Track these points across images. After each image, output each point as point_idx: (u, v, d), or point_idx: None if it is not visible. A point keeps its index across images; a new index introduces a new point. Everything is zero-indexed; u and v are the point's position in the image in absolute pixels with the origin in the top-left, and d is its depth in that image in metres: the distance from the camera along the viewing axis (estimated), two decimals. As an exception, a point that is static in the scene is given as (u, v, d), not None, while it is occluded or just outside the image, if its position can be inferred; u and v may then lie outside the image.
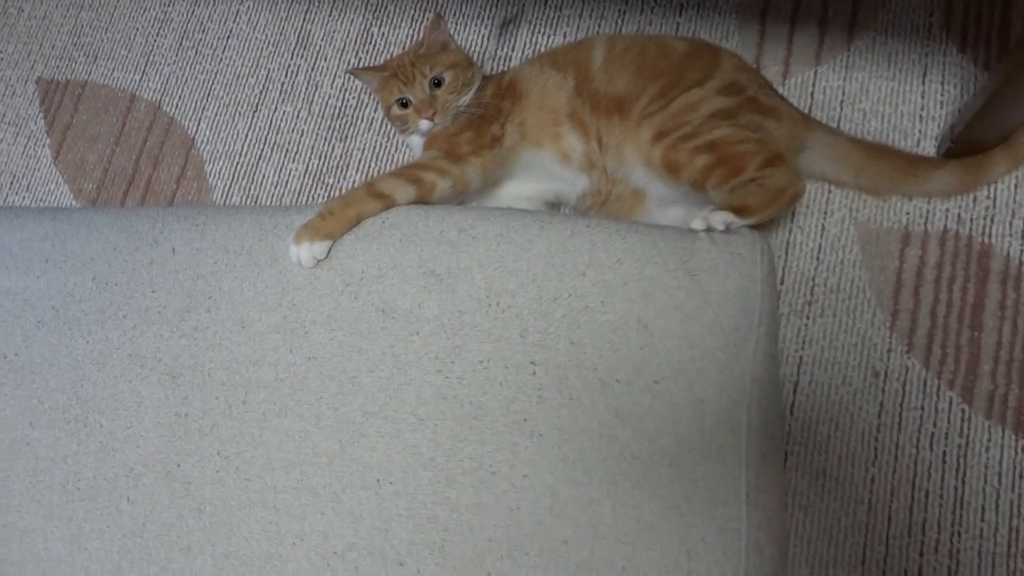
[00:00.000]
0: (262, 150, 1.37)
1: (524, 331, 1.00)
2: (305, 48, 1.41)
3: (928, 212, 1.21)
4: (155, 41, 1.46)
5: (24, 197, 1.40)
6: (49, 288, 1.13)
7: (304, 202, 1.34)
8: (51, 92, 1.45)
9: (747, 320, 0.97)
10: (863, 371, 1.16)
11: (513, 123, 1.19)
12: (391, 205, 1.10)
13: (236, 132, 1.39)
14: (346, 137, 1.36)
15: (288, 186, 1.35)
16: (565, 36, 1.37)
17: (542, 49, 1.36)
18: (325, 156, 1.35)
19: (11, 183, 1.41)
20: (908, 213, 1.21)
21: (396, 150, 1.33)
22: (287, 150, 1.37)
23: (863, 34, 1.30)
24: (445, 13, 1.40)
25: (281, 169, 1.36)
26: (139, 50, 1.46)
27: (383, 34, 1.40)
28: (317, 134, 1.37)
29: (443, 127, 1.18)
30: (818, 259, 1.21)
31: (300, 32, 1.42)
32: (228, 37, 1.44)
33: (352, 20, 1.42)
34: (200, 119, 1.40)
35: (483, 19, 1.39)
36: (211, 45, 1.44)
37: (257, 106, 1.40)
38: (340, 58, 1.40)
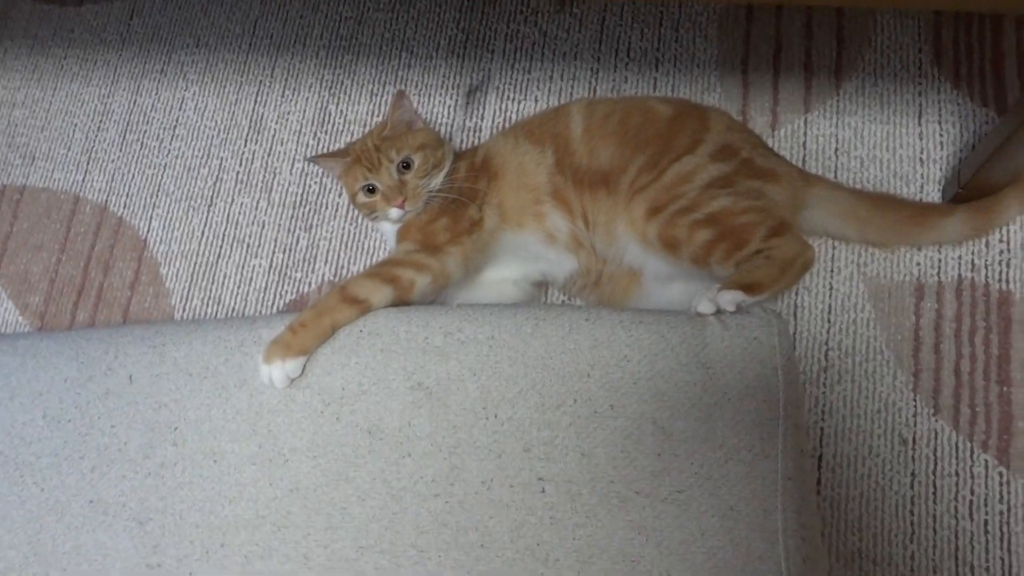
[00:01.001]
0: (221, 247, 1.27)
1: (528, 445, 0.91)
2: (259, 133, 1.32)
3: (940, 261, 1.14)
4: (96, 136, 1.35)
5: (-37, 318, 1.28)
6: (-4, 431, 1.02)
7: (271, 300, 1.23)
8: (-13, 200, 1.34)
9: (771, 413, 0.89)
10: (890, 439, 1.08)
11: (491, 204, 1.10)
12: (367, 310, 1.00)
13: (191, 229, 1.28)
14: (311, 226, 1.26)
15: (252, 284, 1.24)
16: (537, 101, 1.28)
17: (513, 116, 1.28)
18: (290, 249, 1.25)
19: (-53, 303, 1.30)
20: (919, 264, 1.14)
21: (366, 236, 1.24)
22: (248, 245, 1.26)
23: (851, 76, 1.23)
24: (407, 84, 1.31)
25: (243, 266, 1.25)
26: (79, 147, 1.35)
27: (341, 112, 1.31)
28: (280, 225, 1.27)
29: (415, 214, 1.09)
30: (829, 321, 1.13)
31: (252, 116, 1.32)
32: (175, 126, 1.34)
33: (307, 99, 1.33)
34: (151, 217, 1.30)
35: (448, 88, 1.31)
36: (157, 136, 1.34)
37: (212, 199, 1.29)
38: (298, 140, 1.30)
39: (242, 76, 1.35)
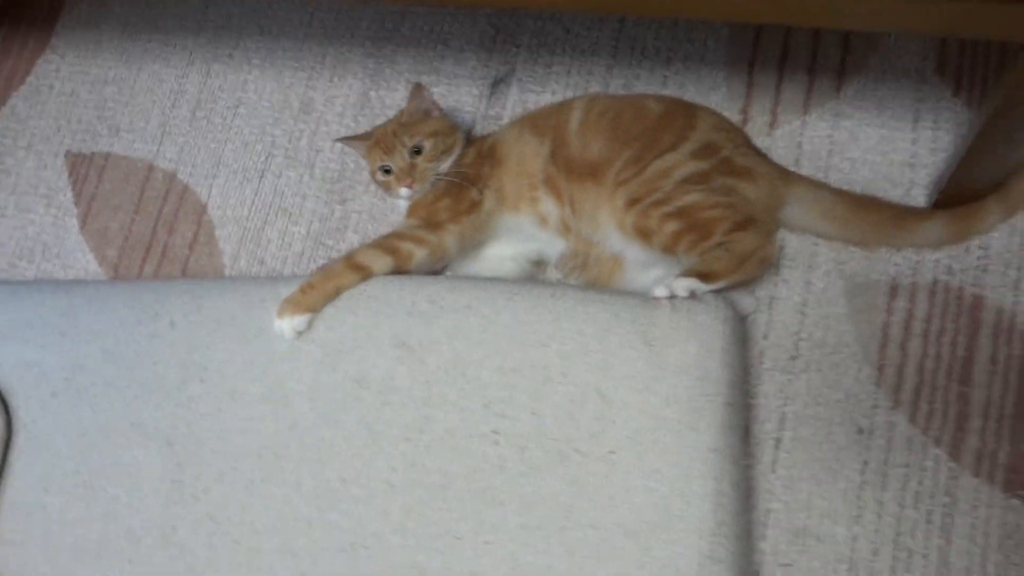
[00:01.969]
0: (267, 214, 1.44)
1: (488, 402, 1.03)
2: (307, 114, 1.48)
3: (918, 264, 1.18)
4: (171, 112, 1.55)
5: (54, 265, 1.50)
6: (62, 361, 1.22)
7: (306, 263, 1.39)
8: (78, 165, 1.56)
9: (706, 390, 0.98)
10: (847, 427, 1.14)
11: (491, 188, 1.22)
12: (369, 276, 1.15)
13: (243, 198, 1.46)
14: (345, 200, 1.41)
15: (291, 248, 1.41)
16: (554, 93, 1.39)
17: (532, 107, 1.38)
18: (325, 218, 1.41)
19: (43, 252, 1.52)
20: (897, 264, 1.19)
21: (393, 211, 1.38)
22: (290, 213, 1.43)
23: (853, 80, 1.28)
24: (439, 74, 1.44)
25: (285, 232, 1.42)
26: (156, 121, 1.55)
27: (380, 97, 1.45)
28: (318, 197, 1.43)
29: (422, 194, 1.22)
30: (803, 313, 1.20)
31: (303, 98, 1.49)
32: (237, 106, 1.52)
33: (351, 85, 1.47)
34: (211, 186, 1.48)
35: (475, 80, 1.43)
36: (221, 114, 1.52)
37: (263, 172, 1.47)
38: (340, 122, 1.46)
39: (297, 62, 1.51)
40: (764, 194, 1.15)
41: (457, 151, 1.24)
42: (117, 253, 1.49)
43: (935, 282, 1.17)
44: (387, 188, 1.24)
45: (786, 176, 1.19)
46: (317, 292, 1.13)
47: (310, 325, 1.13)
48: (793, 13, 0.90)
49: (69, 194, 1.54)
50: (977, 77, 1.25)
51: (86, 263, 1.49)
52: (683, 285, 1.05)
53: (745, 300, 1.19)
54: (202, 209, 1.47)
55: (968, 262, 1.17)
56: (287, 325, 1.12)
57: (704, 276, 1.06)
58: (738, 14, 0.98)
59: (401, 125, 1.24)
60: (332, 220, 1.41)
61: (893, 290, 1.18)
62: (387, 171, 1.23)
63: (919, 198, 1.22)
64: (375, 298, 1.12)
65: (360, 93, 1.46)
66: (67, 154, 1.57)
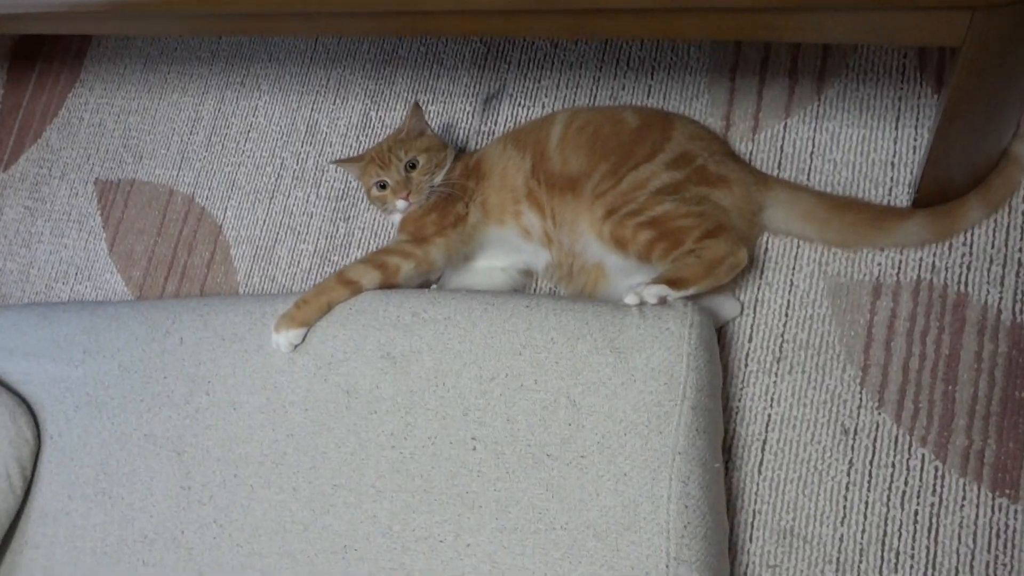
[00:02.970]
0: (277, 233, 1.51)
1: (466, 409, 1.08)
2: (313, 135, 1.55)
3: (901, 263, 1.19)
4: (189, 139, 1.63)
5: (86, 286, 1.61)
6: (85, 376, 1.31)
7: (314, 280, 1.46)
8: (106, 191, 1.66)
9: (671, 394, 1.01)
10: (832, 428, 1.15)
11: (476, 202, 1.26)
12: (359, 291, 1.20)
13: (256, 218, 1.54)
14: (348, 217, 1.47)
15: (300, 266, 1.48)
16: (543, 107, 1.43)
17: (523, 121, 1.43)
18: (331, 236, 1.47)
19: (76, 274, 1.63)
20: (880, 264, 1.19)
21: (392, 227, 1.43)
22: (298, 232, 1.50)
23: (833, 82, 1.29)
24: (434, 93, 1.49)
25: (293, 250, 1.49)
26: (176, 148, 1.64)
27: (380, 118, 1.51)
28: (324, 216, 1.49)
29: (417, 206, 1.27)
30: (787, 315, 1.21)
31: (308, 121, 1.56)
32: (249, 131, 1.60)
33: (353, 107, 1.54)
34: (226, 208, 1.56)
35: (468, 96, 1.48)
36: (235, 139, 1.60)
37: (273, 193, 1.54)
38: (343, 143, 1.52)
39: (303, 86, 1.59)
40: (739, 200, 1.17)
41: (447, 166, 1.29)
42: (141, 273, 1.58)
43: (919, 280, 1.17)
44: (383, 203, 1.29)
45: (763, 181, 1.21)
46: (310, 307, 1.19)
47: (304, 338, 1.19)
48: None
49: (98, 219, 1.65)
50: (962, 73, 1.24)
51: (114, 283, 1.59)
52: (652, 292, 1.07)
53: (729, 304, 1.21)
54: (218, 230, 1.56)
55: (951, 259, 1.17)
56: (283, 339, 1.18)
57: (674, 283, 1.08)
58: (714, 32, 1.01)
59: (397, 142, 1.30)
60: (337, 237, 1.47)
61: (876, 290, 1.19)
62: (383, 186, 1.28)
63: (902, 198, 1.22)
64: (363, 312, 1.17)
65: (361, 114, 1.53)
66: (96, 181, 1.68)
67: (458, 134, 1.46)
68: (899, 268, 1.18)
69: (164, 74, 1.70)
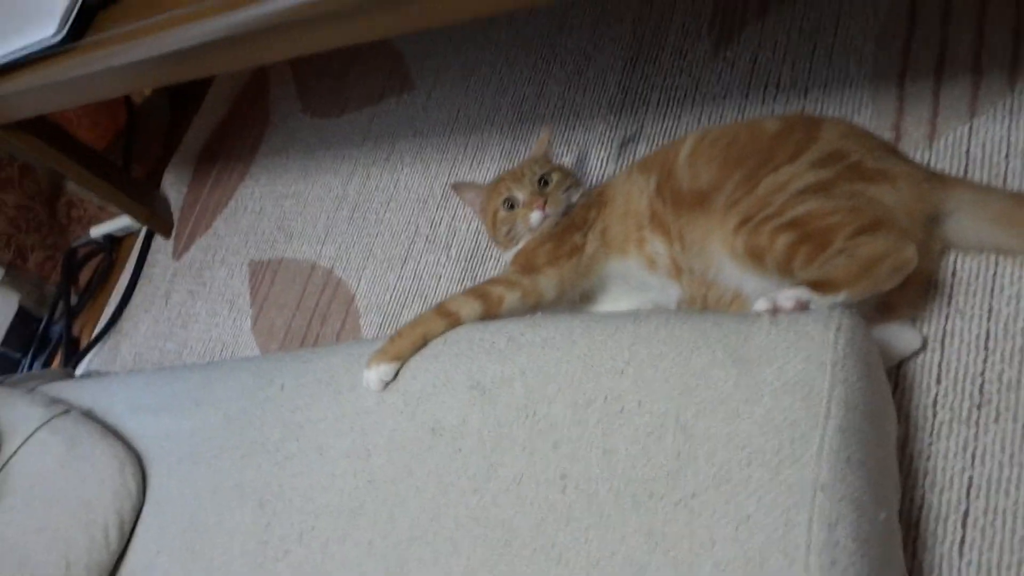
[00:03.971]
0: (405, 299, 1.44)
1: (557, 442, 0.89)
2: (447, 200, 1.49)
3: None
4: (334, 216, 1.64)
5: (227, 361, 1.60)
6: (193, 428, 1.26)
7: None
8: (257, 271, 1.69)
9: (810, 412, 0.77)
10: (1065, 494, 0.84)
11: (595, 231, 1.12)
12: (457, 323, 1.07)
13: (387, 285, 1.48)
14: (476, 277, 1.38)
15: (423, 329, 1.38)
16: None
17: (660, 161, 1.29)
18: (456, 296, 1.38)
19: (221, 350, 1.63)
20: (1115, 277, 0.90)
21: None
22: (426, 296, 1.42)
23: (1032, 72, 1.05)
24: (571, 144, 1.40)
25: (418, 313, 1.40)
26: (322, 225, 1.65)
27: (512, 176, 1.44)
28: (452, 276, 1.41)
29: (553, 222, 1.13)
30: (987, 348, 0.93)
31: (444, 187, 1.51)
32: (388, 202, 1.57)
33: (488, 168, 1.48)
34: (361, 277, 1.52)
35: (604, 143, 1.37)
36: (375, 211, 1.58)
37: (405, 259, 1.48)
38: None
39: (442, 154, 1.55)
40: (907, 198, 0.94)
41: (582, 188, 1.17)
42: (278, 346, 1.55)
43: None
44: (511, 224, 1.17)
45: (939, 180, 0.97)
46: (404, 340, 1.08)
47: (396, 375, 1.07)
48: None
49: (247, 297, 1.67)
50: None
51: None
52: (789, 295, 0.85)
53: (907, 335, 0.95)
54: (351, 299, 1.51)
55: None
56: (373, 375, 1.07)
57: (818, 285, 0.86)
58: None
59: (530, 161, 1.20)
60: (462, 297, 1.37)
61: (1114, 310, 0.89)
62: (511, 206, 1.17)
63: None
64: (457, 341, 1.04)
65: (496, 172, 1.46)
66: (250, 263, 1.71)
67: (591, 180, 1.34)
68: None
69: (319, 159, 1.75)
